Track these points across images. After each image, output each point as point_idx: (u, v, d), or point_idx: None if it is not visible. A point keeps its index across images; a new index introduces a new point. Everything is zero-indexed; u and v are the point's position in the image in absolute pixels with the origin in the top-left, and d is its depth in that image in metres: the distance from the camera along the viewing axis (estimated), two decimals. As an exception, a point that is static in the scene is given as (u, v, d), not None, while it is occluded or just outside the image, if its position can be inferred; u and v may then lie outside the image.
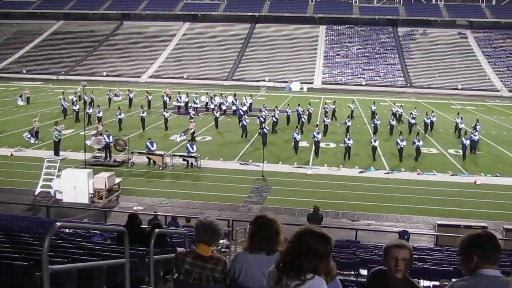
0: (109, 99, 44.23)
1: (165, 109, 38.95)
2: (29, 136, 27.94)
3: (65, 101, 39.13)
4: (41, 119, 37.33)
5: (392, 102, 49.95)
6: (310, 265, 2.92)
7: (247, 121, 34.46)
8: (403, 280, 3.51)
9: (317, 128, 30.21)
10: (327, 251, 3.00)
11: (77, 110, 37.31)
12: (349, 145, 28.33)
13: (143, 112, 35.43)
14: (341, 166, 26.68)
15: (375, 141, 28.60)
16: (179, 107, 42.97)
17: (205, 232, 4.09)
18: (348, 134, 29.40)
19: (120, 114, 35.06)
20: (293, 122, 37.78)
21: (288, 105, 39.80)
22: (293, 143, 29.73)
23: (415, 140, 28.58)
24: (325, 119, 35.57)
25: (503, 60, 76.69)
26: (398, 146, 28.38)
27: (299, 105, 39.28)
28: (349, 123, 33.44)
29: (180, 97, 43.17)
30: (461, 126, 35.84)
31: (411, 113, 37.40)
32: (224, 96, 45.27)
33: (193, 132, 31.23)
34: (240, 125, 34.76)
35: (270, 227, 3.88)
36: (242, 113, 37.22)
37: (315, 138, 29.11)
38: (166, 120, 35.42)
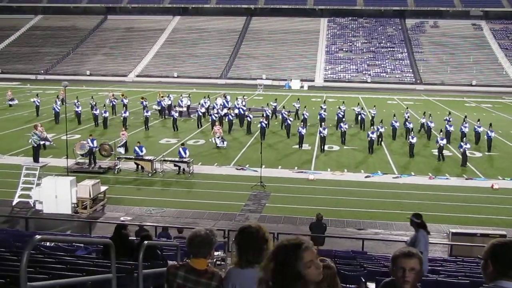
0: (113, 106, 43.63)
1: (163, 113, 41.78)
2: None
3: (56, 104, 38.96)
4: (18, 122, 37.49)
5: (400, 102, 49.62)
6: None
7: (251, 117, 36.70)
8: None
9: (323, 123, 31.98)
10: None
11: (79, 112, 38.42)
12: (373, 139, 30.22)
13: (147, 112, 37.43)
14: (345, 170, 26.69)
15: (412, 138, 29.67)
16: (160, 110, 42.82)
17: (201, 245, 4.07)
18: (372, 128, 31.48)
19: (125, 112, 37.47)
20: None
21: (305, 107, 40.36)
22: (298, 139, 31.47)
23: (462, 144, 28.13)
24: (342, 124, 33.13)
25: (521, 54, 77.06)
26: (438, 145, 28.75)
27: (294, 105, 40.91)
28: (381, 130, 32.33)
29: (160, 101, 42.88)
30: (409, 126, 33.46)
31: (427, 114, 36.26)
32: (214, 98, 45.23)
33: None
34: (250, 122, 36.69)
35: (257, 237, 3.83)
36: (243, 112, 38.70)
37: (321, 134, 30.68)
38: (174, 120, 36.95)
